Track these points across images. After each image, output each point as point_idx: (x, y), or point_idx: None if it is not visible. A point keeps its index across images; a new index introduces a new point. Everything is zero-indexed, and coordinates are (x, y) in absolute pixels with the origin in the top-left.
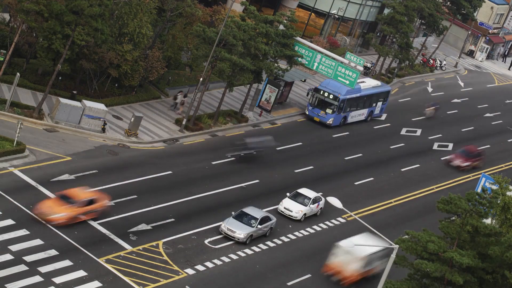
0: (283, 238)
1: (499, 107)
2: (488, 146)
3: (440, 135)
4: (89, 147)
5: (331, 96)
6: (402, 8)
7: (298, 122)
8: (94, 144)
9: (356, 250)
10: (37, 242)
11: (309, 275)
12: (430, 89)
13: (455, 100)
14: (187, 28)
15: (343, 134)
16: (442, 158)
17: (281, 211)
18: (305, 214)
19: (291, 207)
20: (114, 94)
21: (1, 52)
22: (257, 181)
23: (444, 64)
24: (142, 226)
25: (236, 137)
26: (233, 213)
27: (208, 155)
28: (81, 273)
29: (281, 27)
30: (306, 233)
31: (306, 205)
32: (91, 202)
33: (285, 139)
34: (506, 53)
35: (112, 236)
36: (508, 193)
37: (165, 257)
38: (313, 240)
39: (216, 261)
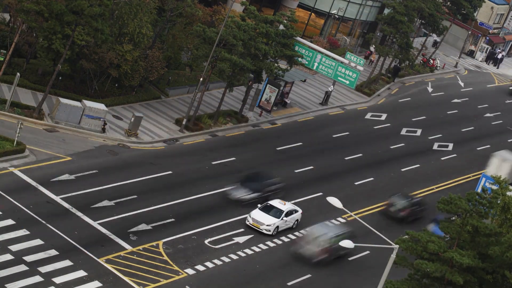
0: (283, 238)
1: (499, 107)
2: (488, 146)
3: (440, 135)
4: (89, 147)
5: None
6: (402, 8)
7: (298, 122)
8: (94, 144)
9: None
10: (37, 242)
11: (309, 275)
12: (430, 89)
13: (455, 100)
14: (187, 28)
15: (343, 134)
16: None
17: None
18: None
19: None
20: (114, 94)
21: (1, 52)
22: None
23: (438, 63)
24: (142, 226)
25: (237, 136)
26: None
27: (208, 155)
28: (81, 273)
29: (281, 27)
30: (306, 233)
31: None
32: None
33: (285, 139)
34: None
35: (112, 236)
36: (508, 193)
37: (165, 257)
38: None
39: (216, 261)
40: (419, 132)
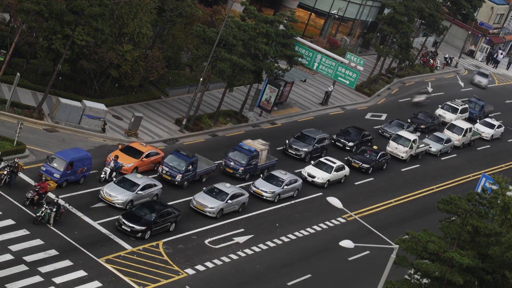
0: (283, 238)
1: (499, 107)
2: (488, 146)
3: None
4: (89, 147)
5: None
6: (402, 8)
7: (298, 122)
8: (94, 144)
9: None
10: (37, 242)
11: (309, 275)
12: (430, 89)
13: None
14: (187, 28)
15: None
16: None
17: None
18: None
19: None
20: (114, 94)
21: (1, 52)
22: None
23: (450, 58)
24: None
25: (237, 137)
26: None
27: (208, 155)
28: (81, 273)
29: (281, 27)
30: (306, 233)
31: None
32: None
33: (285, 139)
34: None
35: (112, 236)
36: (508, 193)
37: (165, 257)
38: (313, 240)
39: (216, 261)
40: (419, 132)
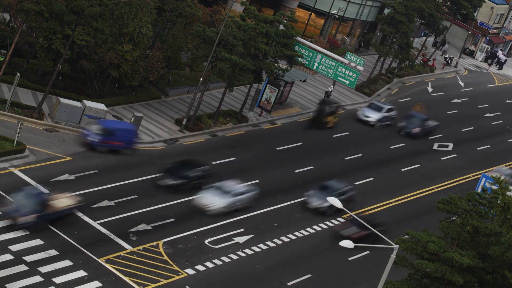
0: (283, 238)
1: (499, 107)
2: (488, 146)
3: (440, 135)
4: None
5: None
6: (402, 8)
7: (298, 122)
8: None
9: None
10: (37, 242)
11: (309, 275)
12: (430, 89)
13: (455, 100)
14: (187, 28)
15: (343, 134)
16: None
17: None
18: None
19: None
20: (114, 94)
21: (1, 52)
22: (257, 181)
23: (450, 58)
24: (142, 226)
25: (236, 137)
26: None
27: (208, 155)
28: (81, 273)
29: (281, 27)
30: (306, 233)
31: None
32: None
33: (285, 139)
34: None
35: (112, 236)
36: (508, 193)
37: (165, 257)
38: (313, 240)
39: (216, 261)
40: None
